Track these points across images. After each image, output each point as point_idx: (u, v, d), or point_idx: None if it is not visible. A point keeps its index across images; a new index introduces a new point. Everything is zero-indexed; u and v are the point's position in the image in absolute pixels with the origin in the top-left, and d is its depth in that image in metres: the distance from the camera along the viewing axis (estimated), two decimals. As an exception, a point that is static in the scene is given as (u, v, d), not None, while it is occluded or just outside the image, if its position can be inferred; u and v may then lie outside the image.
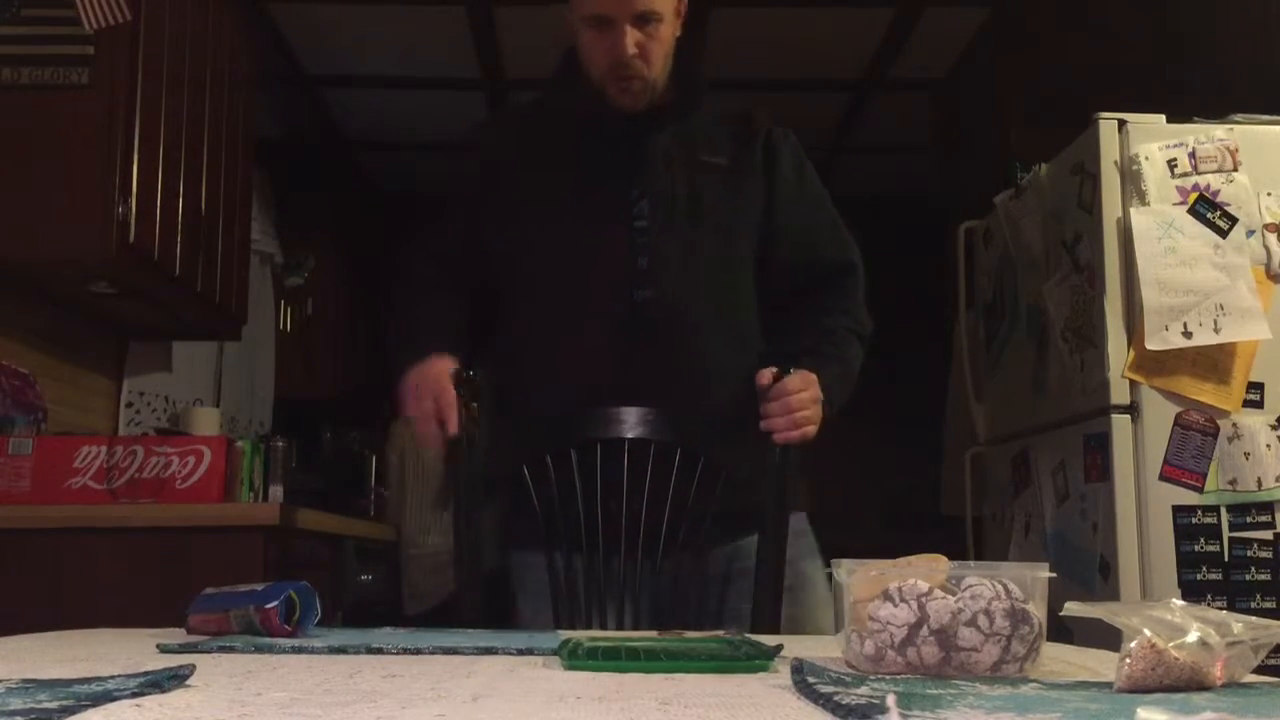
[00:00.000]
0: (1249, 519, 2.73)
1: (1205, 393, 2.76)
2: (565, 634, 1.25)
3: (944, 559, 0.98)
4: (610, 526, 1.80)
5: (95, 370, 3.56)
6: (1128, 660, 0.81)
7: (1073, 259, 3.00)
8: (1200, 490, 2.74)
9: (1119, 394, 2.79)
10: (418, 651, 1.10)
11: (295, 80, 4.89)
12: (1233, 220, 2.79)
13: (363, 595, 3.59)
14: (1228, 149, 2.84)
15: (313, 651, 1.10)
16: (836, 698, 0.73)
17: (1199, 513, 2.73)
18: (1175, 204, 2.81)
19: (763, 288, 1.96)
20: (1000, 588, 0.93)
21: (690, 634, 1.33)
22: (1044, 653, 0.95)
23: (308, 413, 4.96)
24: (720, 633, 1.29)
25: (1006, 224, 3.45)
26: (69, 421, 3.28)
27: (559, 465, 1.81)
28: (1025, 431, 3.30)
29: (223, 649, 1.10)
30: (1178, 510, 2.74)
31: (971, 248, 3.74)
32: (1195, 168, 2.83)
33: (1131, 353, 2.78)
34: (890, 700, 0.68)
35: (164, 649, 1.08)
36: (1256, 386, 2.77)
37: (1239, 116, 2.90)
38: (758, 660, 0.99)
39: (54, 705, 0.67)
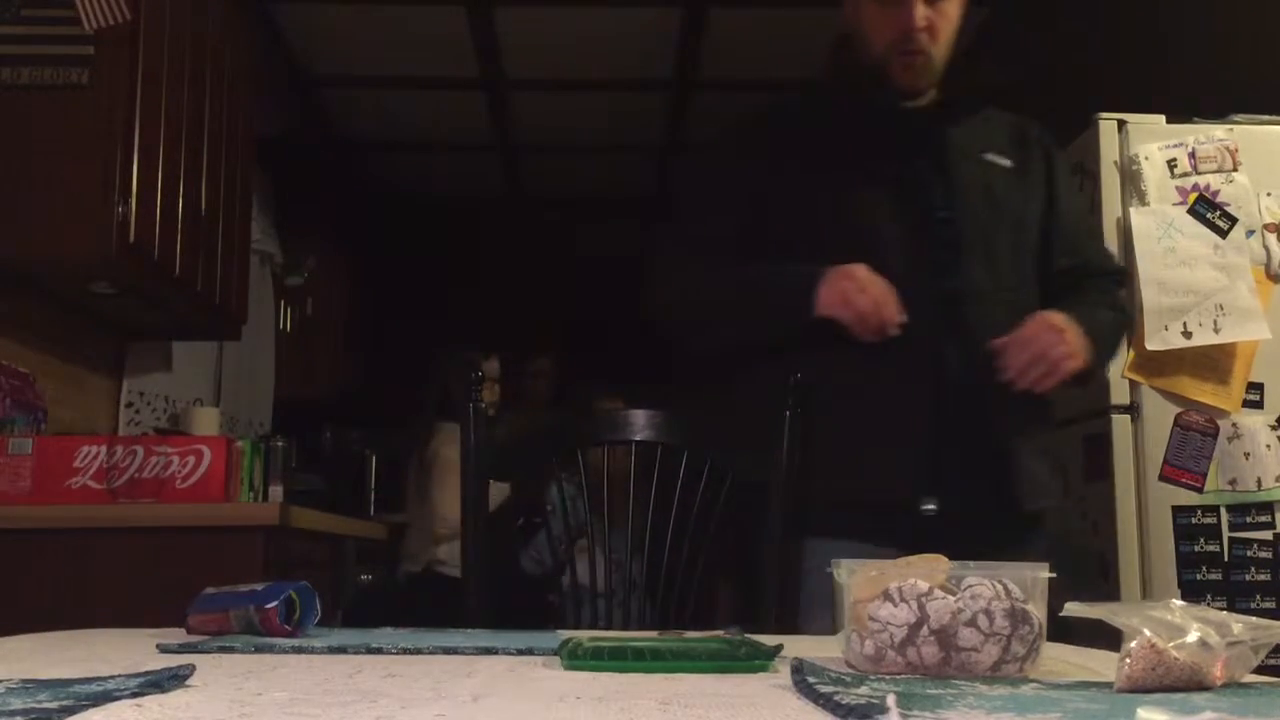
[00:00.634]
0: (1249, 519, 2.73)
1: (1205, 393, 2.76)
2: (565, 634, 1.25)
3: (944, 559, 0.98)
4: None
5: (95, 370, 3.56)
6: (1128, 660, 0.81)
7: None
8: (1200, 490, 2.74)
9: (1119, 394, 2.78)
10: (418, 651, 1.10)
11: (295, 80, 4.89)
12: (1232, 220, 2.79)
13: (362, 595, 3.59)
14: (1228, 149, 2.84)
15: (313, 651, 1.10)
16: (836, 698, 0.73)
17: (1199, 513, 2.73)
18: (1175, 204, 2.81)
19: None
20: (1000, 588, 0.93)
21: (690, 634, 1.33)
22: (1044, 653, 0.95)
23: (308, 413, 4.96)
24: (720, 633, 1.29)
25: (1006, 224, 3.45)
26: (69, 421, 3.28)
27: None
28: (1025, 431, 3.30)
29: (223, 649, 1.10)
30: (1178, 510, 2.74)
31: (971, 248, 3.73)
32: (1195, 168, 2.83)
33: (1131, 353, 2.78)
34: (890, 700, 0.68)
35: (164, 649, 1.08)
36: (1256, 387, 2.77)
37: (1239, 116, 2.89)
38: (758, 660, 0.99)
39: (54, 705, 0.67)
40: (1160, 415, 2.77)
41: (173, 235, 3.14)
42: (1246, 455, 2.74)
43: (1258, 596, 2.71)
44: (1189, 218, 2.80)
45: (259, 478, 3.32)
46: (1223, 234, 2.79)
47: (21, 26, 2.80)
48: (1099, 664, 1.01)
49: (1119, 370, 2.79)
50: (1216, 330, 2.75)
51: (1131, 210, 2.82)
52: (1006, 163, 1.93)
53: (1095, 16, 3.95)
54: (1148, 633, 0.82)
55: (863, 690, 0.78)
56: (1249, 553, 2.72)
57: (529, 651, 1.10)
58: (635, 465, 1.85)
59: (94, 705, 0.69)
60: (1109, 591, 2.74)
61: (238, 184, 3.69)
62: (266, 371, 4.88)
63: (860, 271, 1.77)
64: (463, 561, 1.87)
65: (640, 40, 4.62)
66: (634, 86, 5.07)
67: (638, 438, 1.84)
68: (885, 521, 1.76)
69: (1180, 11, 3.67)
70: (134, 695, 0.73)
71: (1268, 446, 2.74)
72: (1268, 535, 2.73)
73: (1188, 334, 2.74)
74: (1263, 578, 2.72)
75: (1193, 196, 2.81)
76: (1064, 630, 1.03)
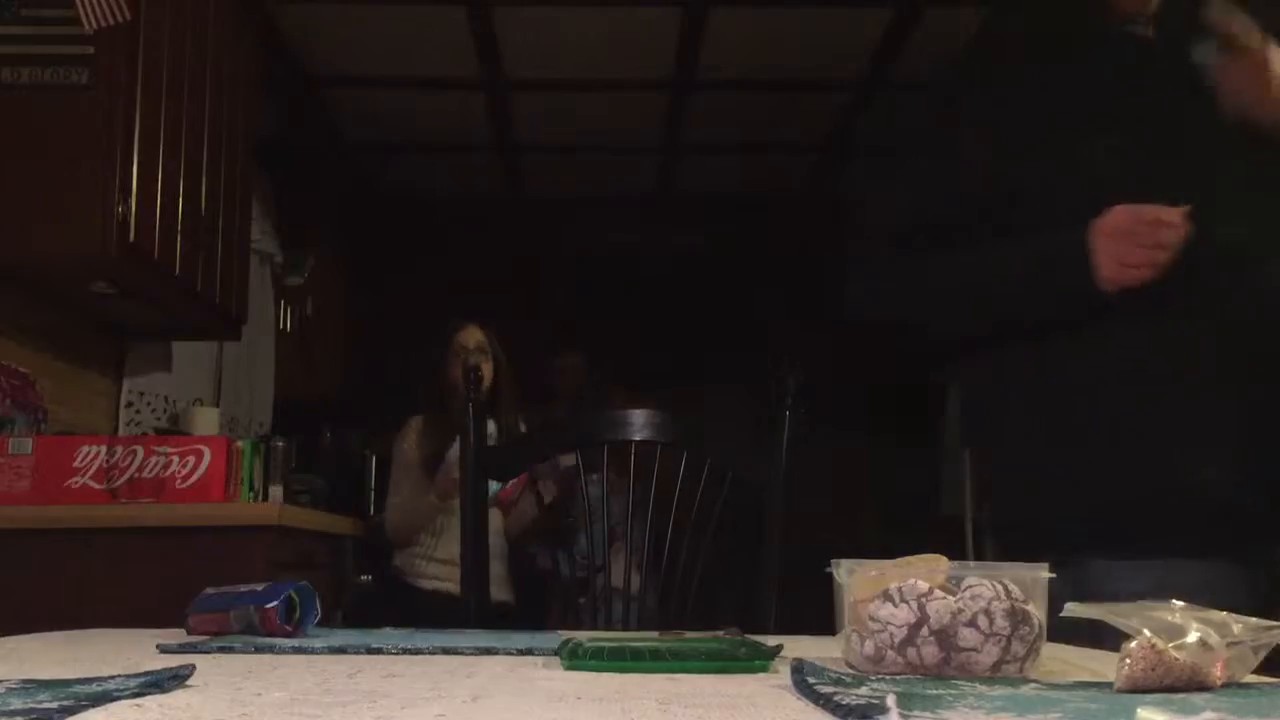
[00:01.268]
0: (1249, 519, 2.72)
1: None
2: (565, 634, 1.25)
3: (944, 559, 0.98)
4: None
5: (95, 370, 3.56)
6: (1128, 660, 0.81)
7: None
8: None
9: (1119, 394, 2.78)
10: (418, 651, 1.10)
11: (295, 80, 4.89)
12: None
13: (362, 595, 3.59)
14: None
15: (313, 651, 1.10)
16: (836, 698, 0.73)
17: (1199, 513, 2.73)
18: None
19: None
20: (1000, 588, 0.93)
21: (690, 634, 1.33)
22: (1044, 653, 0.95)
23: (308, 413, 4.96)
24: (720, 633, 1.29)
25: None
26: (69, 421, 3.28)
27: None
28: (1025, 431, 3.29)
29: (223, 649, 1.10)
30: (1178, 510, 2.73)
31: (971, 248, 3.73)
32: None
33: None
34: (890, 700, 0.68)
35: (164, 649, 1.08)
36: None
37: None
38: (758, 660, 0.99)
39: (54, 705, 0.67)
40: (1160, 415, 2.76)
41: (173, 235, 3.14)
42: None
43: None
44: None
45: (259, 478, 3.32)
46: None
47: (21, 26, 2.80)
48: (1099, 664, 1.01)
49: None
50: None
51: (1131, 210, 2.81)
52: None
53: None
54: (1148, 633, 0.82)
55: (863, 690, 0.78)
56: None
57: (529, 651, 1.10)
58: (635, 465, 1.85)
59: (94, 705, 0.69)
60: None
61: (238, 184, 3.69)
62: (266, 371, 4.88)
63: (1122, 218, 1.52)
64: (462, 562, 1.87)
65: (640, 40, 4.62)
66: (634, 86, 5.07)
67: (637, 438, 1.84)
68: (1206, 530, 1.51)
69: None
70: (134, 695, 0.73)
71: (1268, 446, 2.73)
72: (1268, 535, 2.72)
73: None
74: (1263, 578, 2.71)
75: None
76: (1064, 630, 1.03)
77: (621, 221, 6.26)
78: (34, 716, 0.64)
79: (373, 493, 4.79)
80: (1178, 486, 1.53)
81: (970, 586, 0.93)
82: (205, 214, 3.38)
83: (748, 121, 5.42)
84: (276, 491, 3.49)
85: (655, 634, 1.38)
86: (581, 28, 4.50)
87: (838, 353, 5.42)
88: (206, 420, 3.69)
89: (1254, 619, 0.88)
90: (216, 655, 1.06)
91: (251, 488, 3.24)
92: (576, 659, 0.98)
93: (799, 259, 6.15)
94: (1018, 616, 0.92)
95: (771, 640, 1.14)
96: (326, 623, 1.32)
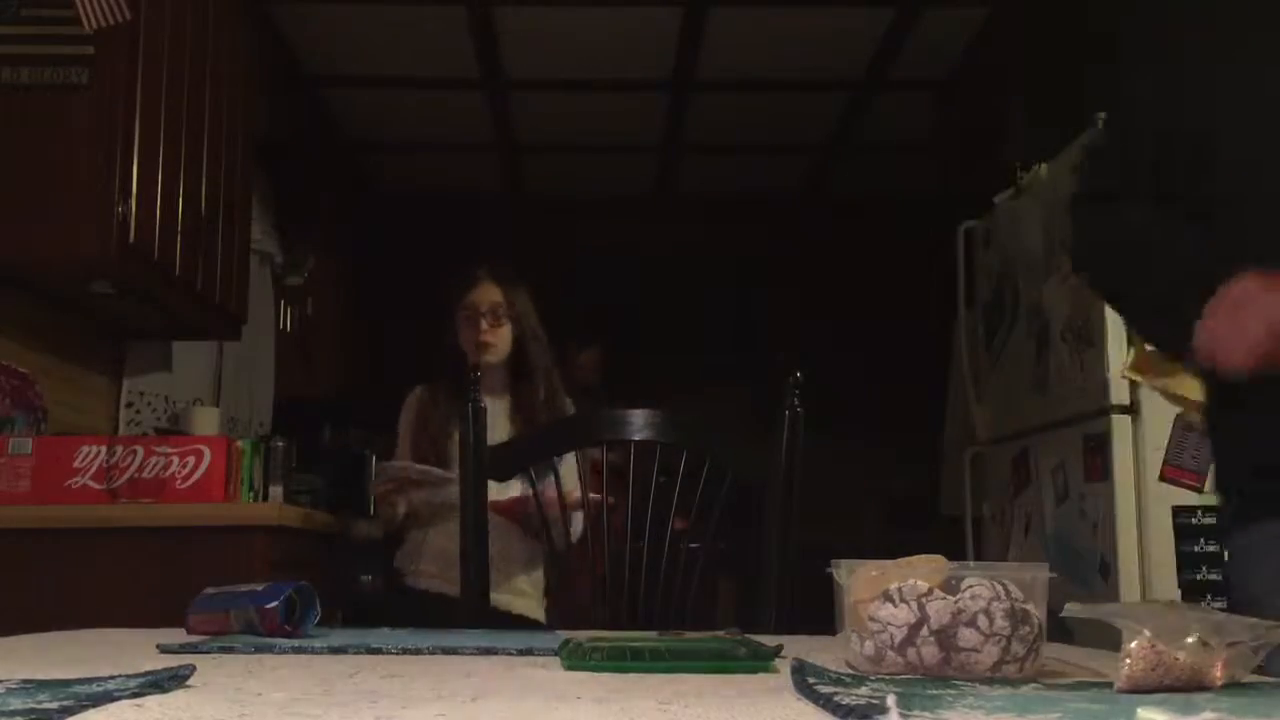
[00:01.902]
0: (1249, 519, 2.73)
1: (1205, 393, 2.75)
2: (565, 634, 1.25)
3: (944, 559, 0.98)
4: None
5: (95, 370, 3.56)
6: (1128, 661, 0.81)
7: (1073, 259, 2.99)
8: (1200, 490, 2.74)
9: (1119, 394, 2.79)
10: (418, 651, 1.10)
11: (295, 80, 4.89)
12: (1233, 220, 2.78)
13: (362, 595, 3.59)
14: (1228, 149, 2.83)
15: (313, 651, 1.10)
16: (836, 698, 0.73)
17: (1199, 513, 2.73)
18: (1175, 204, 2.80)
19: None
20: (1000, 588, 0.93)
21: (690, 634, 1.33)
22: (1044, 653, 0.95)
23: (308, 413, 4.96)
24: (720, 633, 1.29)
25: (1006, 224, 3.45)
26: (69, 421, 3.27)
27: None
28: (1025, 431, 3.30)
29: (223, 649, 1.10)
30: (1178, 510, 2.74)
31: (971, 248, 3.73)
32: (1196, 168, 2.82)
33: (1131, 353, 2.78)
34: (890, 700, 0.68)
35: (164, 649, 1.08)
36: (1257, 386, 2.76)
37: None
38: (758, 660, 0.99)
39: (54, 705, 0.67)
40: (1160, 415, 2.77)
41: (173, 235, 3.14)
42: (1246, 455, 2.73)
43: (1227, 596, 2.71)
44: (1189, 218, 2.78)
45: (259, 478, 3.31)
46: (1223, 234, 2.77)
47: (21, 26, 2.80)
48: (1099, 664, 1.01)
49: (1119, 370, 2.79)
50: (1216, 330, 2.74)
51: (1131, 210, 2.80)
52: None
53: (1096, 16, 3.95)
54: (1148, 633, 0.82)
55: (863, 690, 0.78)
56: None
57: (529, 651, 1.10)
58: (634, 464, 1.85)
59: (94, 705, 0.69)
60: (1109, 592, 2.74)
61: (238, 184, 3.69)
62: (266, 371, 4.87)
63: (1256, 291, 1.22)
64: (462, 561, 1.87)
65: (640, 40, 4.62)
66: (634, 86, 5.07)
67: (637, 437, 1.84)
68: None
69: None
70: (134, 695, 0.73)
71: (1267, 446, 2.73)
72: (1267, 535, 2.72)
73: (1187, 334, 2.73)
74: (1263, 578, 2.71)
75: (1192, 196, 2.80)
76: (1064, 630, 1.03)
77: (621, 221, 6.25)
78: (34, 716, 0.64)
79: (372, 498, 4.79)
80: None
81: (970, 587, 0.93)
82: (205, 214, 3.38)
83: (748, 121, 5.42)
84: (276, 491, 3.48)
85: (655, 634, 1.38)
86: (581, 28, 4.50)
87: (838, 352, 5.43)
88: (206, 420, 3.69)
89: (1254, 619, 0.88)
90: (216, 655, 1.06)
91: (251, 488, 3.24)
92: (576, 659, 0.98)
93: (799, 259, 6.15)
94: (1018, 616, 0.92)
95: (771, 640, 1.14)
96: (326, 623, 1.32)
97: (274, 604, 1.22)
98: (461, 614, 1.83)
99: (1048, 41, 4.04)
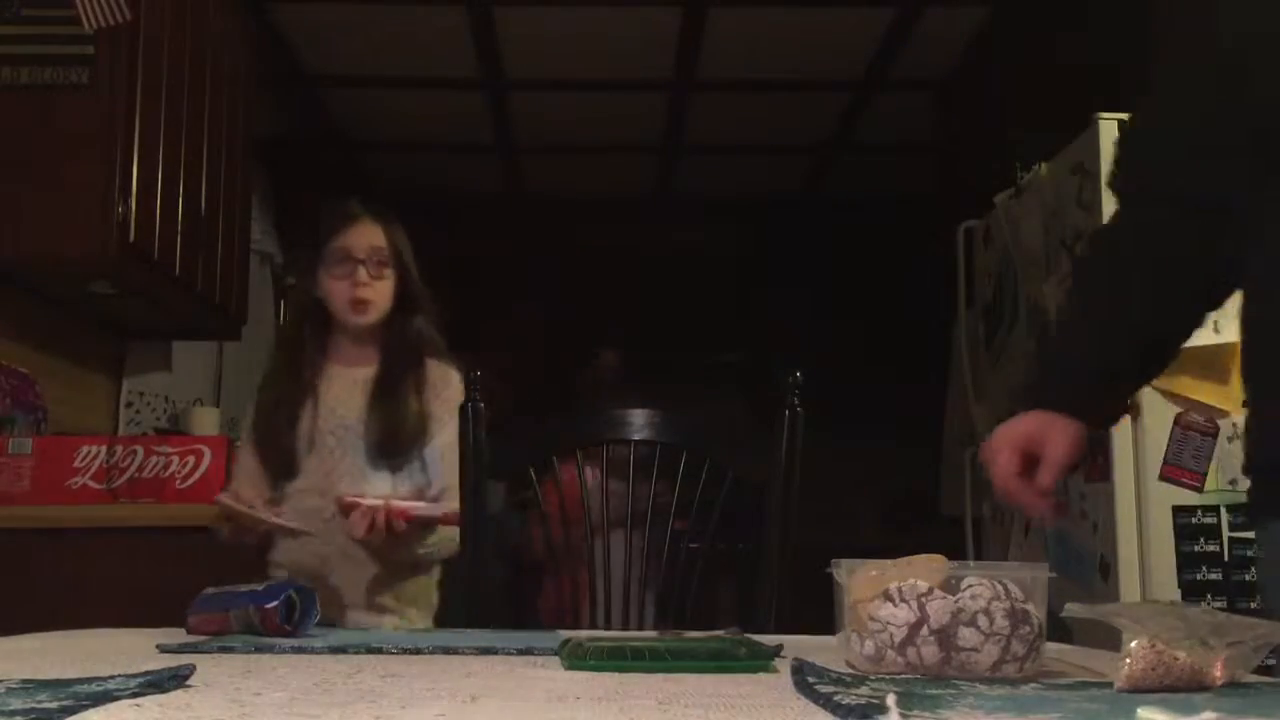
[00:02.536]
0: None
1: (1205, 393, 2.75)
2: (565, 634, 1.25)
3: (944, 559, 0.98)
4: None
5: (95, 370, 3.56)
6: (1128, 660, 0.81)
7: (1073, 259, 3.00)
8: (1200, 490, 2.73)
9: (1119, 394, 2.78)
10: (417, 651, 1.10)
11: (295, 80, 4.89)
12: (1233, 220, 2.78)
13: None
14: (1228, 149, 2.83)
15: (313, 651, 1.10)
16: (836, 698, 0.73)
17: (1199, 513, 2.73)
18: (1175, 204, 2.79)
19: None
20: (1000, 588, 0.93)
21: (690, 634, 1.33)
22: (1044, 653, 0.95)
23: (307, 413, 4.95)
24: (720, 633, 1.29)
25: (1006, 224, 3.45)
26: (69, 421, 3.27)
27: None
28: (1025, 431, 3.29)
29: (223, 649, 1.10)
30: (1178, 510, 2.73)
31: (971, 248, 3.73)
32: (1196, 167, 2.81)
33: (1131, 353, 2.77)
34: (890, 700, 0.68)
35: (164, 649, 1.08)
36: (1257, 386, 2.76)
37: (1239, 116, 2.88)
38: (758, 660, 0.99)
39: (54, 705, 0.67)
40: (1160, 415, 2.76)
41: (173, 235, 3.14)
42: (1246, 455, 2.73)
43: (1258, 596, 2.71)
44: (1189, 218, 2.78)
45: (259, 478, 3.31)
46: (1223, 234, 2.77)
47: (21, 26, 2.80)
48: (1099, 664, 1.01)
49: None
50: (1216, 330, 2.74)
51: (1131, 210, 2.80)
52: None
53: (1096, 17, 3.95)
54: (1148, 633, 0.82)
55: (863, 690, 0.78)
56: (1249, 552, 2.72)
57: (529, 651, 1.10)
58: (634, 464, 1.85)
59: (94, 705, 0.69)
60: (1109, 592, 2.74)
61: (238, 184, 3.69)
62: (266, 371, 4.87)
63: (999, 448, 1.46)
64: (462, 562, 1.87)
65: (640, 40, 4.62)
66: (634, 86, 5.07)
67: (637, 437, 1.84)
68: None
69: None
70: (134, 695, 0.73)
71: (1268, 446, 2.73)
72: (1268, 535, 2.72)
73: (1188, 334, 2.73)
74: (1263, 578, 2.71)
75: (1192, 196, 2.79)
76: (1064, 630, 1.03)
77: (621, 221, 6.25)
78: (34, 716, 0.64)
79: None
80: None
81: (970, 586, 0.93)
82: (205, 214, 3.38)
83: (748, 122, 5.42)
84: (277, 491, 3.48)
85: (655, 634, 1.38)
86: (581, 28, 4.50)
87: (838, 352, 5.43)
88: (206, 420, 3.69)
89: (1254, 619, 0.88)
90: (216, 655, 1.06)
91: (251, 488, 3.24)
92: (576, 659, 0.98)
93: (799, 259, 6.15)
94: (1018, 616, 0.92)
95: (771, 640, 1.14)
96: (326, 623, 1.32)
97: (274, 604, 1.22)
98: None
99: (1048, 41, 4.04)
